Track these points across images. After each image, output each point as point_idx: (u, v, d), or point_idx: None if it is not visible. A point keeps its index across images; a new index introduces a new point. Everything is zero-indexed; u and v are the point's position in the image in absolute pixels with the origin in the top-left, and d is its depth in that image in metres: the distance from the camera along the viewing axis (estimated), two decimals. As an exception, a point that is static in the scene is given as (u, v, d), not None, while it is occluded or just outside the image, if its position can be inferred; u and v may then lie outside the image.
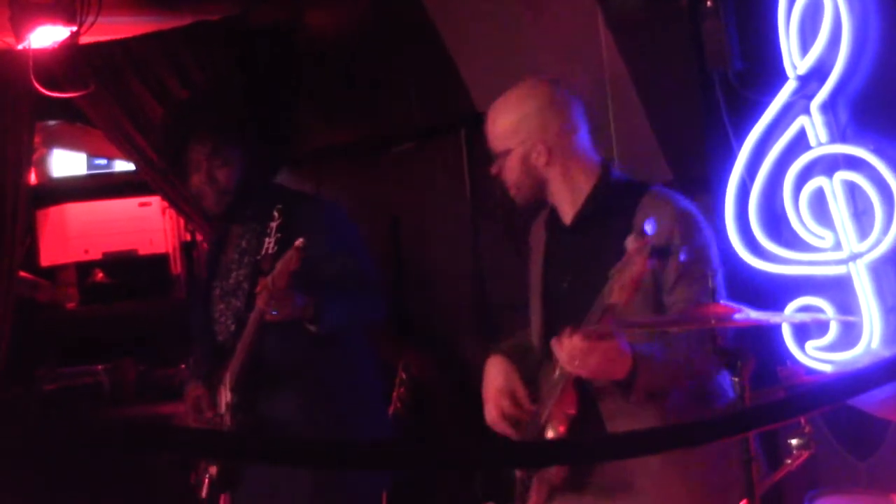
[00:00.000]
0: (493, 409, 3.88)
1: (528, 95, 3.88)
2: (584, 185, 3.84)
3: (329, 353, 4.49)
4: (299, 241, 4.12)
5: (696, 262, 3.65)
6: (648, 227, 3.39)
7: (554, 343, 3.58)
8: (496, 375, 3.92)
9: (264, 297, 4.22)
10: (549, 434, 3.71)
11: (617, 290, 3.43)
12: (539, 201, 3.92)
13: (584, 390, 3.71)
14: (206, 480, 4.49)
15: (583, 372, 3.57)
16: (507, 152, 3.84)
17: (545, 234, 4.01)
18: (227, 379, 4.44)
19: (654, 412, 3.67)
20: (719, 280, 3.67)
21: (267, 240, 4.27)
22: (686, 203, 3.78)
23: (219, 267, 4.63)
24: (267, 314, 4.29)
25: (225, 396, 4.46)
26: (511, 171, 3.85)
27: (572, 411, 3.70)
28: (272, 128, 4.75)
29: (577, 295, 3.66)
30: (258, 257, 4.30)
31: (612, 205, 3.79)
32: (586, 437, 3.59)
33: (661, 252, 3.45)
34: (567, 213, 3.89)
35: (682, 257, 3.55)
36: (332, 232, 4.49)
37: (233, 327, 4.49)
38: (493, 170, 3.89)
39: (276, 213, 4.30)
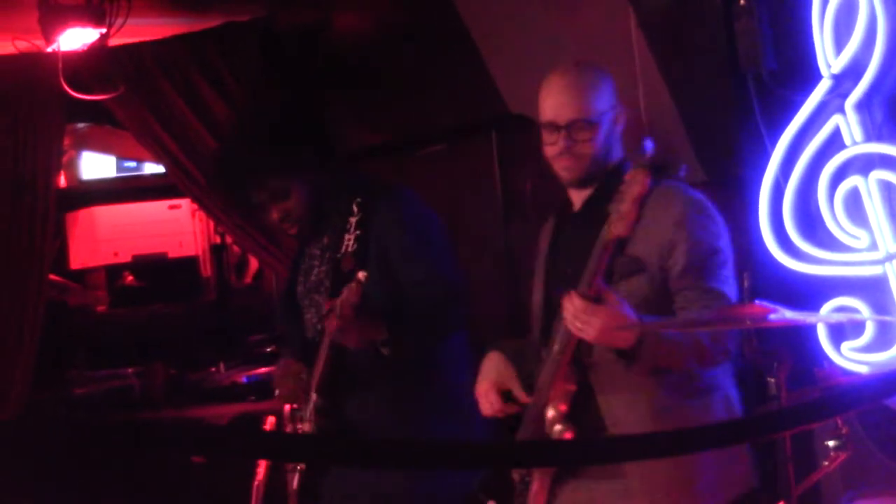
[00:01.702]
0: (486, 404, 3.84)
1: (601, 68, 3.80)
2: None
3: (416, 360, 4.32)
4: (361, 275, 3.97)
5: (705, 248, 3.58)
6: (648, 146, 3.26)
7: (564, 299, 3.47)
8: (490, 370, 3.88)
9: (333, 323, 4.10)
10: (550, 413, 3.63)
11: (616, 222, 3.29)
12: (591, 179, 3.77)
13: (579, 365, 3.63)
14: (297, 473, 4.44)
15: (587, 335, 3.44)
16: (600, 117, 3.70)
17: (554, 223, 3.95)
18: (313, 381, 4.38)
19: (648, 392, 3.58)
20: (729, 269, 3.59)
21: (346, 236, 4.19)
22: (696, 192, 3.68)
23: (303, 262, 4.53)
24: (335, 339, 4.21)
25: (312, 397, 4.40)
26: (594, 142, 3.69)
27: (573, 387, 3.63)
28: (321, 135, 4.56)
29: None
30: (338, 255, 4.23)
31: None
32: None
33: (659, 169, 3.34)
34: (579, 199, 3.82)
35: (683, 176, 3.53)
36: (413, 230, 4.31)
37: (319, 326, 4.35)
38: (557, 145, 3.70)
39: (354, 208, 4.23)
